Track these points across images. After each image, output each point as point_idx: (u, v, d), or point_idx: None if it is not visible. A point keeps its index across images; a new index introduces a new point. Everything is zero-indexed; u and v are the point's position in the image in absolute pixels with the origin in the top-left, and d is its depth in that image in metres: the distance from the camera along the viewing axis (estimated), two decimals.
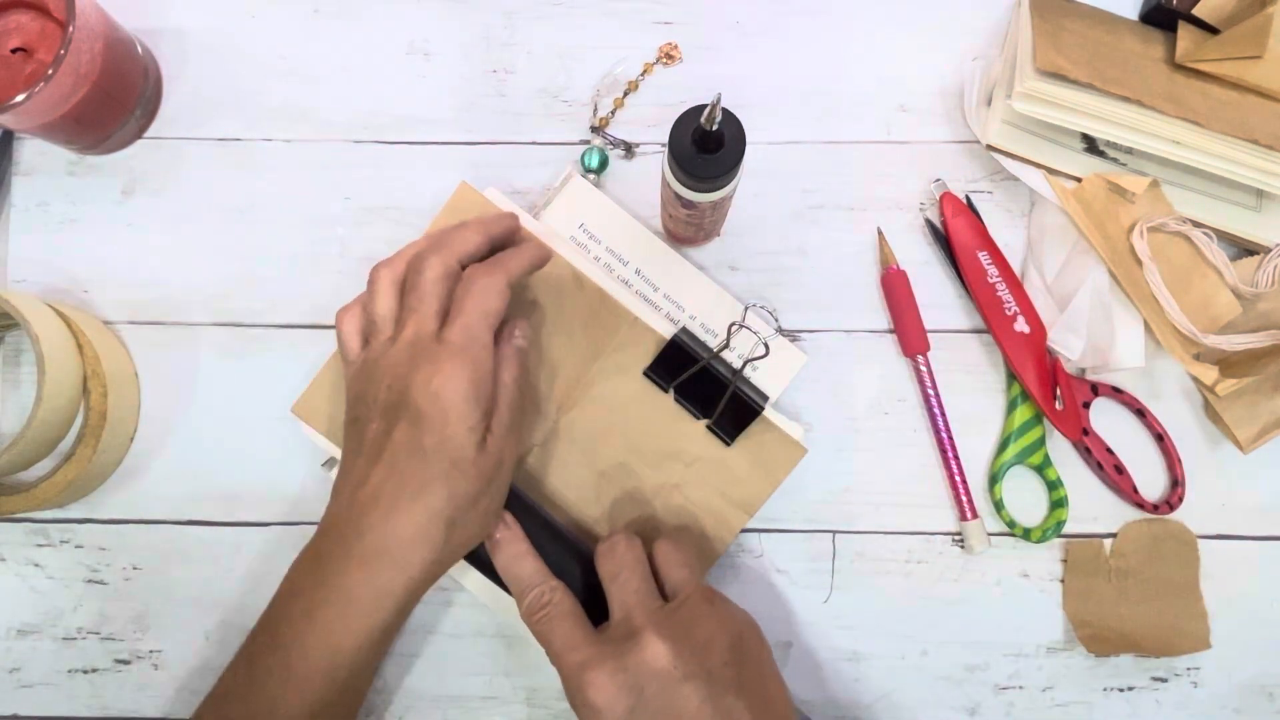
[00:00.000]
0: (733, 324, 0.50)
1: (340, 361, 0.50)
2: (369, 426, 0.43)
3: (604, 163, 0.53)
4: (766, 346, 0.49)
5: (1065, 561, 0.51)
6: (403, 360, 0.43)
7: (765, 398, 0.50)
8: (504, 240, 0.48)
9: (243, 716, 0.42)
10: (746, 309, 0.51)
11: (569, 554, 0.47)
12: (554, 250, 0.50)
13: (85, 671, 0.51)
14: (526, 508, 0.48)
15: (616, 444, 0.50)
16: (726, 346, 0.50)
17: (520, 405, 0.45)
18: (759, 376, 0.51)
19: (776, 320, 0.52)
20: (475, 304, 0.43)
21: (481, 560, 0.47)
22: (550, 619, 0.43)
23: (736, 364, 0.50)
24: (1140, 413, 0.52)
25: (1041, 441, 0.51)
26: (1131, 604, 0.50)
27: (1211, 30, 0.52)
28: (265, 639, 0.43)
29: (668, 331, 0.50)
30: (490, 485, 0.43)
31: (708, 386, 0.49)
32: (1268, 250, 0.51)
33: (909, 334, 0.52)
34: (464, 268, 0.45)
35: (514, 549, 0.45)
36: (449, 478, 0.41)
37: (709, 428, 0.50)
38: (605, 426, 0.50)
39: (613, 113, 0.55)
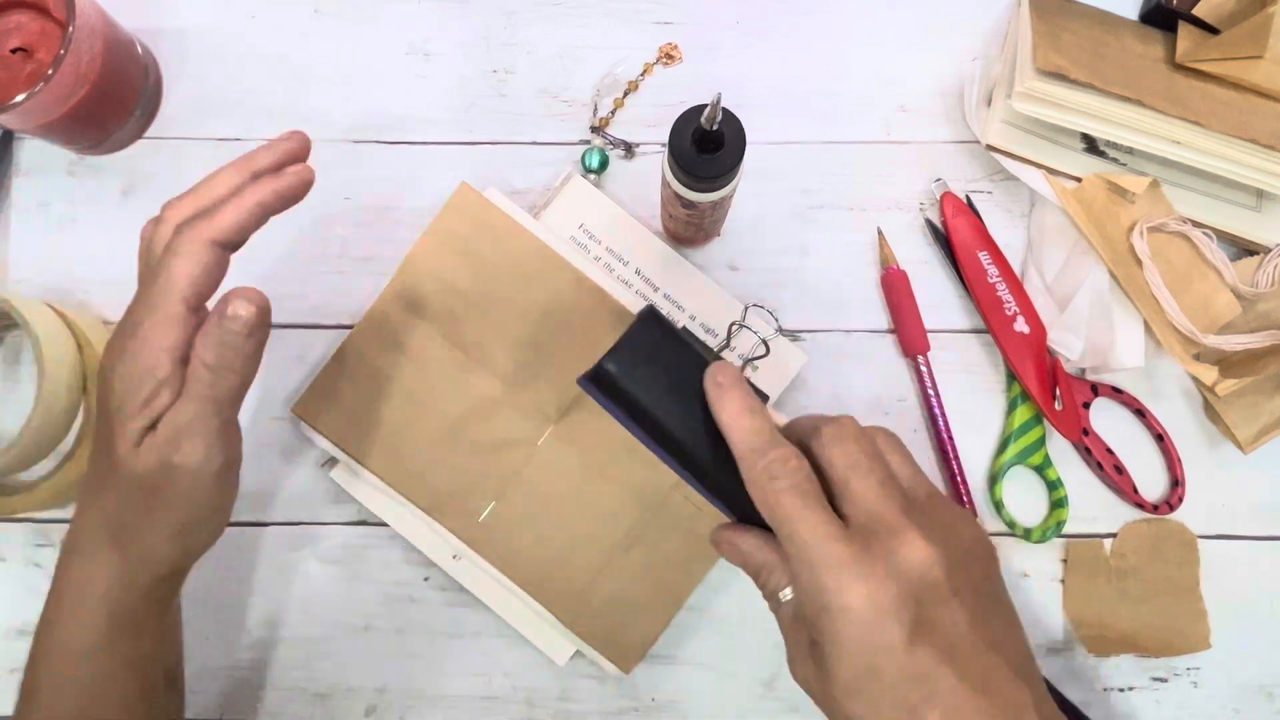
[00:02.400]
0: (733, 323, 0.50)
1: (340, 360, 0.51)
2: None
3: (604, 163, 0.54)
4: (767, 346, 0.49)
5: (1065, 561, 0.51)
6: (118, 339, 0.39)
7: (765, 397, 0.50)
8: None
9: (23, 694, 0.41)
10: (747, 308, 0.51)
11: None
12: (310, 174, 0.41)
13: None
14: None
15: (617, 445, 0.50)
16: (727, 346, 0.50)
17: (230, 398, 0.38)
18: (759, 376, 0.51)
19: (776, 320, 0.52)
20: (164, 272, 0.37)
21: (661, 430, 0.38)
22: (803, 493, 0.34)
23: (737, 364, 0.50)
24: (1140, 413, 0.52)
25: (1041, 441, 0.51)
26: (1131, 604, 0.51)
27: (1211, 30, 0.52)
28: (30, 655, 0.42)
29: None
30: (162, 495, 0.38)
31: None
32: (1268, 250, 0.51)
33: (909, 334, 0.52)
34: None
35: (746, 399, 0.36)
36: (106, 475, 0.38)
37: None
38: (606, 427, 0.50)
39: (613, 113, 0.55)
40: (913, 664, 0.33)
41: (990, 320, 0.52)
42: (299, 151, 0.41)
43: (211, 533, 0.41)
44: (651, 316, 0.39)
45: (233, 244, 0.39)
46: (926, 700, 0.33)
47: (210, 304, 0.39)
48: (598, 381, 0.39)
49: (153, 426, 0.37)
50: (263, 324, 0.38)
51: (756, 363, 0.50)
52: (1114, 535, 0.51)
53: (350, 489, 0.51)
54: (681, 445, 0.38)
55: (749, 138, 0.41)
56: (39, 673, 0.40)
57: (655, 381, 0.38)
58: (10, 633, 0.51)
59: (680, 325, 0.51)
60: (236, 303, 0.37)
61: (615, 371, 0.38)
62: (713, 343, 0.51)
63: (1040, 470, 0.52)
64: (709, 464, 0.38)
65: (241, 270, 0.53)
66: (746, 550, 0.37)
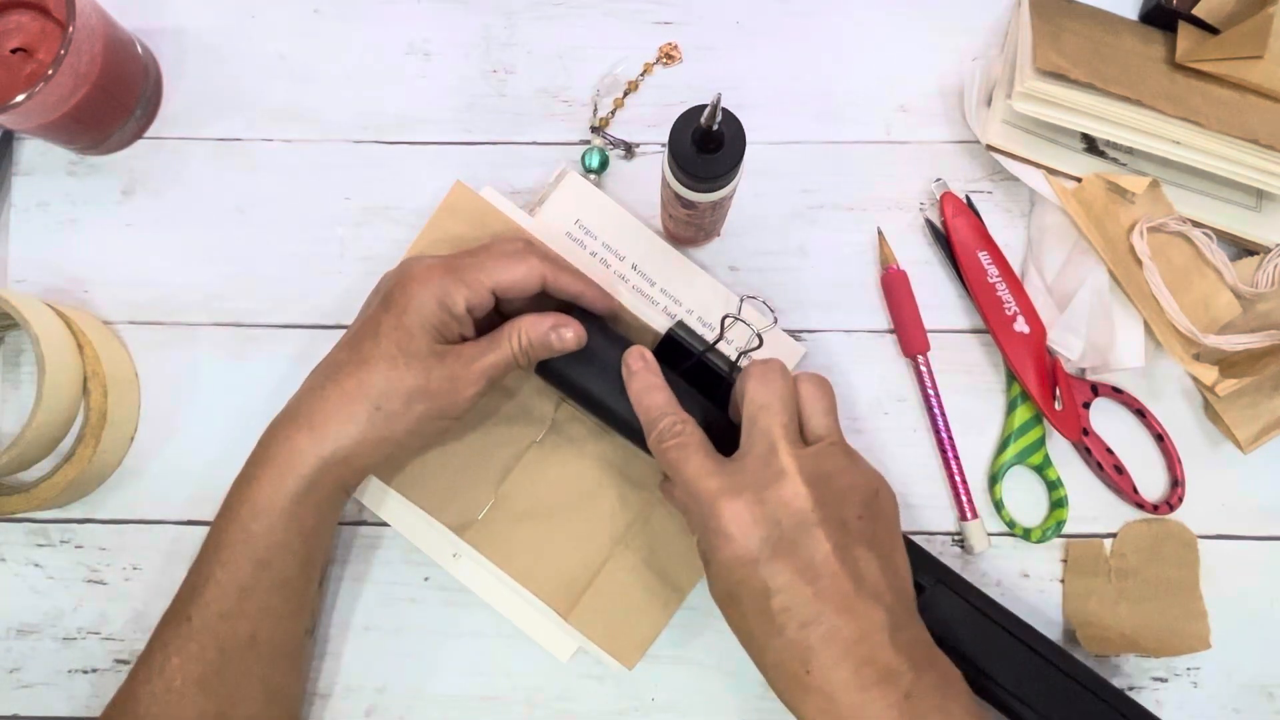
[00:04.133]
0: (725, 316, 0.50)
1: None
2: (364, 312, 0.46)
3: (604, 163, 0.53)
4: (760, 338, 0.50)
5: (1065, 561, 0.51)
6: (425, 262, 0.45)
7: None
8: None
9: (184, 595, 0.44)
10: (742, 300, 0.51)
11: (690, 400, 0.46)
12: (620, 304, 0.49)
13: (85, 671, 0.51)
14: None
15: (616, 440, 0.50)
16: (721, 339, 0.50)
17: (502, 370, 0.45)
18: None
19: (773, 311, 0.52)
20: (492, 260, 0.45)
21: (595, 400, 0.47)
22: (684, 446, 0.42)
23: (732, 355, 0.50)
24: (1140, 413, 0.52)
25: (1041, 441, 0.51)
26: (1131, 604, 0.50)
27: (1211, 30, 0.52)
28: (214, 522, 0.44)
29: (664, 326, 0.50)
30: (435, 396, 0.43)
31: (705, 379, 0.49)
32: (1268, 250, 0.51)
33: (909, 334, 0.52)
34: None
35: (649, 379, 0.45)
36: (392, 363, 0.43)
37: None
38: (602, 423, 0.50)
39: (613, 113, 0.55)
40: (771, 578, 0.39)
41: (990, 320, 0.52)
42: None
43: (409, 457, 0.49)
44: (583, 314, 0.47)
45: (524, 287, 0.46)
46: (784, 610, 0.38)
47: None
48: (544, 371, 0.47)
49: (446, 340, 0.44)
50: (564, 351, 0.46)
51: (753, 354, 0.50)
52: (1114, 535, 0.51)
53: None
54: (617, 417, 0.47)
55: (749, 138, 0.41)
56: (229, 525, 0.43)
57: (589, 367, 0.47)
58: (10, 633, 0.51)
59: (676, 319, 0.51)
60: (571, 328, 0.45)
61: (556, 362, 0.47)
62: (710, 337, 0.51)
63: (1040, 470, 0.52)
64: (642, 434, 0.45)
65: (242, 270, 0.54)
66: (677, 496, 0.44)
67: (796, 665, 0.38)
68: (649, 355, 0.46)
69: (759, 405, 0.42)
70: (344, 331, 0.47)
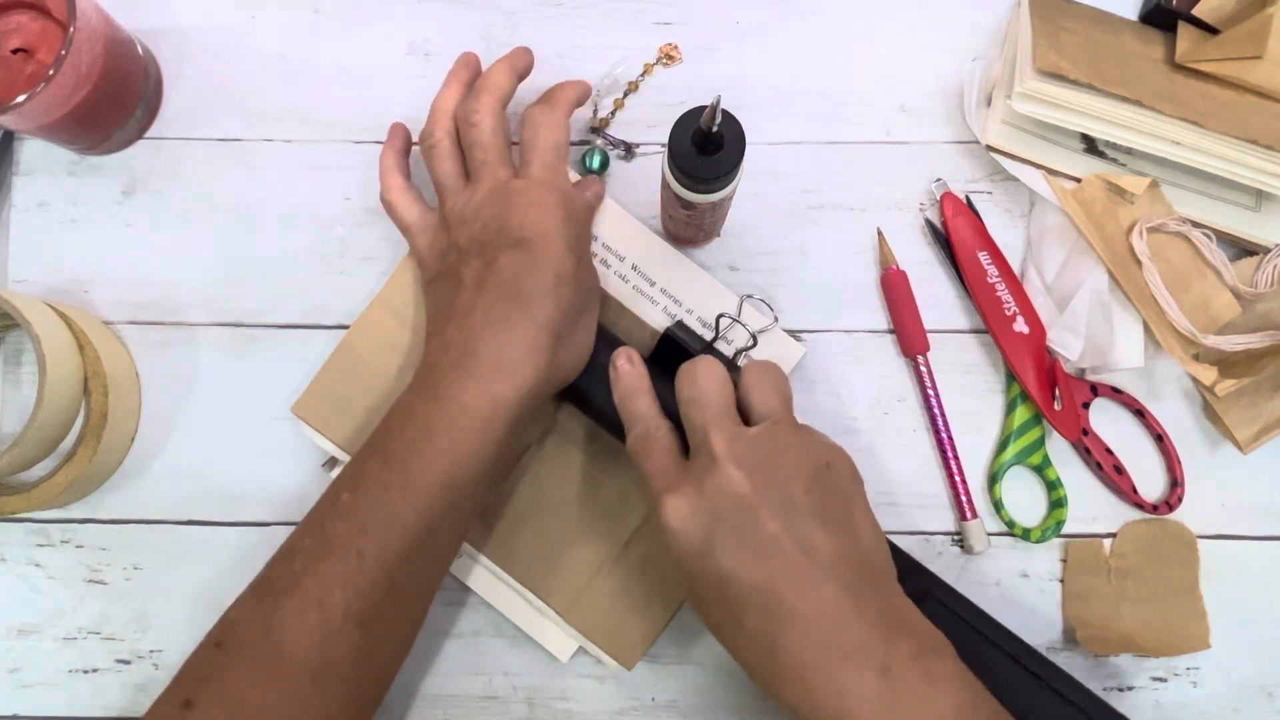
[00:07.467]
0: (720, 315, 0.50)
1: (340, 360, 0.51)
2: (466, 267, 0.45)
3: (604, 163, 0.54)
4: (755, 338, 0.50)
5: (1065, 561, 0.51)
6: (491, 203, 0.45)
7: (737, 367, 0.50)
8: (526, 71, 0.51)
9: (353, 532, 0.41)
10: (741, 300, 0.51)
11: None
12: (589, 85, 0.52)
13: (85, 671, 0.51)
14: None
15: (616, 442, 0.50)
16: (717, 338, 0.50)
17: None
18: None
19: (773, 311, 0.52)
20: (546, 141, 0.47)
21: (586, 400, 0.48)
22: (650, 449, 0.43)
23: (730, 354, 0.50)
24: (1140, 413, 0.52)
25: (1041, 441, 0.51)
26: (1131, 604, 0.51)
27: (1211, 30, 0.52)
28: (376, 461, 0.42)
29: (663, 326, 0.50)
30: (590, 299, 0.46)
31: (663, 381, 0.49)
32: (1267, 250, 0.51)
33: (909, 334, 0.52)
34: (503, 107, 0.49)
35: (636, 384, 0.45)
36: (556, 291, 0.43)
37: None
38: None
39: (613, 113, 0.55)
40: (720, 568, 0.38)
41: (990, 320, 0.52)
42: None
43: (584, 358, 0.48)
44: None
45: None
46: (740, 599, 0.38)
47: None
48: None
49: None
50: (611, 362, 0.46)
51: (751, 354, 0.50)
52: (1113, 535, 0.51)
53: None
54: (606, 418, 0.47)
55: (749, 138, 0.41)
56: (433, 466, 0.41)
57: (586, 371, 0.47)
58: (10, 633, 0.51)
59: (675, 319, 0.51)
60: (629, 357, 0.46)
61: None
62: (709, 337, 0.51)
63: (1040, 470, 0.52)
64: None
65: (242, 270, 0.54)
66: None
67: (764, 653, 0.38)
68: (636, 357, 0.46)
69: (687, 401, 0.43)
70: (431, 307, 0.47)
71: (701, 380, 0.43)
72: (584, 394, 0.47)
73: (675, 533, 0.39)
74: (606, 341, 0.48)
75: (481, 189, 0.46)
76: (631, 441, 0.44)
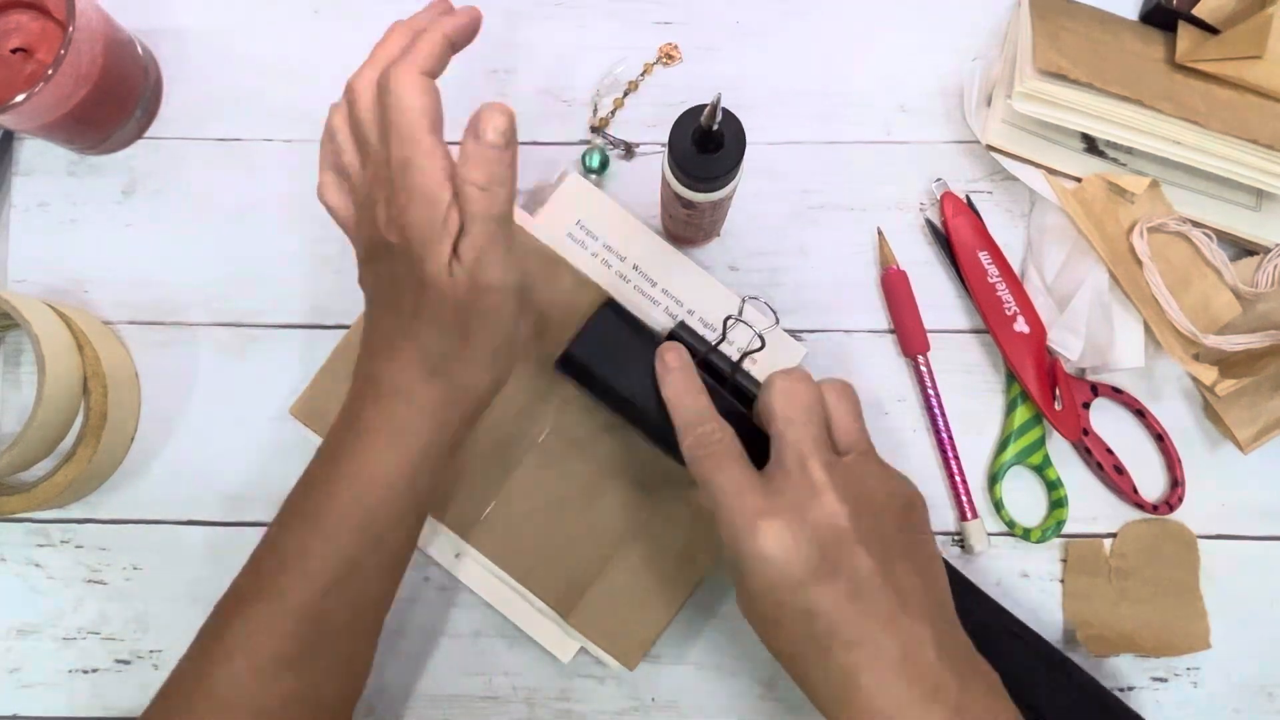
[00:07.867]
0: (727, 317, 0.50)
1: (340, 361, 0.51)
2: (372, 270, 0.42)
3: (605, 163, 0.53)
4: (762, 339, 0.50)
5: (1065, 561, 0.51)
6: (369, 196, 0.39)
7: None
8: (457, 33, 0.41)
9: (274, 570, 0.40)
10: (744, 301, 0.51)
11: (719, 402, 0.44)
12: (479, 13, 0.42)
13: (85, 671, 0.51)
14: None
15: (618, 439, 0.50)
16: (723, 340, 0.50)
17: (507, 213, 0.38)
18: (758, 370, 0.51)
19: (774, 312, 0.52)
20: (396, 112, 0.37)
21: (613, 391, 0.45)
22: (719, 456, 0.40)
23: (736, 358, 0.50)
24: (1140, 413, 0.52)
25: (1041, 441, 0.51)
26: (1131, 604, 0.51)
27: (1211, 30, 0.52)
28: (299, 489, 0.42)
29: (665, 326, 0.50)
30: (477, 317, 0.39)
31: (706, 380, 0.49)
32: (1268, 250, 0.51)
33: (909, 334, 0.52)
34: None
35: (688, 381, 0.43)
36: (422, 309, 0.39)
37: None
38: (605, 422, 0.50)
39: (613, 113, 0.55)
40: (815, 601, 0.37)
41: (990, 320, 0.52)
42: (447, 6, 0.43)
43: (511, 360, 0.43)
44: (610, 306, 0.46)
45: (435, 74, 0.39)
46: (829, 633, 0.37)
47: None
48: (567, 365, 0.46)
49: (455, 254, 0.38)
50: (515, 131, 0.37)
51: (755, 355, 0.50)
52: (1114, 535, 0.51)
53: None
54: (645, 417, 0.45)
55: (749, 138, 0.41)
56: (339, 495, 0.40)
57: (616, 363, 0.45)
58: (10, 632, 0.51)
59: (678, 320, 0.51)
60: (488, 117, 0.36)
61: (580, 355, 0.45)
62: (711, 338, 0.51)
63: (1040, 470, 0.52)
64: (670, 434, 0.43)
65: (242, 270, 0.54)
66: (705, 505, 0.41)
67: (844, 687, 0.37)
68: (685, 353, 0.44)
69: (787, 419, 0.40)
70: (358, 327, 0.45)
71: (803, 398, 0.41)
72: (619, 391, 0.46)
73: (772, 560, 0.37)
74: (644, 336, 0.46)
75: (366, 178, 0.40)
76: (691, 444, 0.42)
